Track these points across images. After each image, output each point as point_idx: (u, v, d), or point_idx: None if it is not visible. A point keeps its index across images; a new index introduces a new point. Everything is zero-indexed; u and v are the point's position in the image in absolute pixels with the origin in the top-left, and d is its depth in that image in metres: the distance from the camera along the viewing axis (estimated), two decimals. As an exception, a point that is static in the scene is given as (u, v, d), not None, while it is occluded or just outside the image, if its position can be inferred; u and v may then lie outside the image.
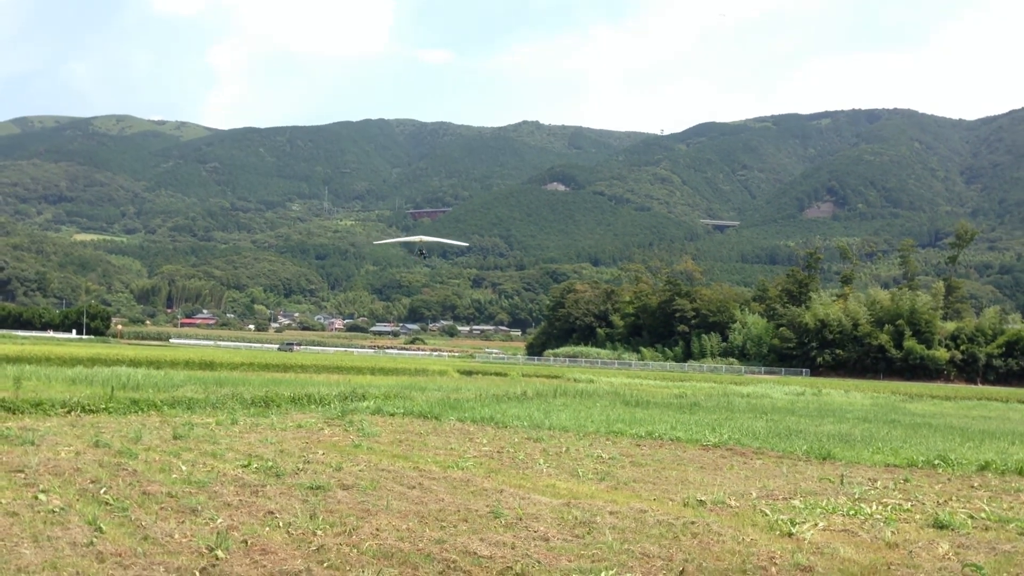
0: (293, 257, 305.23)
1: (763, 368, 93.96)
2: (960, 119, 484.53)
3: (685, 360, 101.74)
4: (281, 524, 8.93)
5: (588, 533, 8.98)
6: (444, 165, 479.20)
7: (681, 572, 7.49)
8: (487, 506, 10.20)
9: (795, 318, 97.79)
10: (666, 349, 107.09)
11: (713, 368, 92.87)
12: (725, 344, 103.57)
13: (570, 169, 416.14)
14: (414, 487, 11.44)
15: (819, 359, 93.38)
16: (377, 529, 8.81)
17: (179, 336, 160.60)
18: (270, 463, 12.83)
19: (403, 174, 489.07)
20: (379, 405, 24.38)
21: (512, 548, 8.15)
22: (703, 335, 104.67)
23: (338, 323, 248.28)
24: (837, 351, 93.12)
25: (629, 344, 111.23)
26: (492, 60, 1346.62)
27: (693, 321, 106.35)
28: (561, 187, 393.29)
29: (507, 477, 12.81)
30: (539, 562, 7.68)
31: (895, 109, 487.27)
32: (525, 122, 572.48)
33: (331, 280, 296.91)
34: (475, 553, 7.87)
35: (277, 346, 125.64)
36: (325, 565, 7.44)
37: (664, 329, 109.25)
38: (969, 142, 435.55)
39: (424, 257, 75.66)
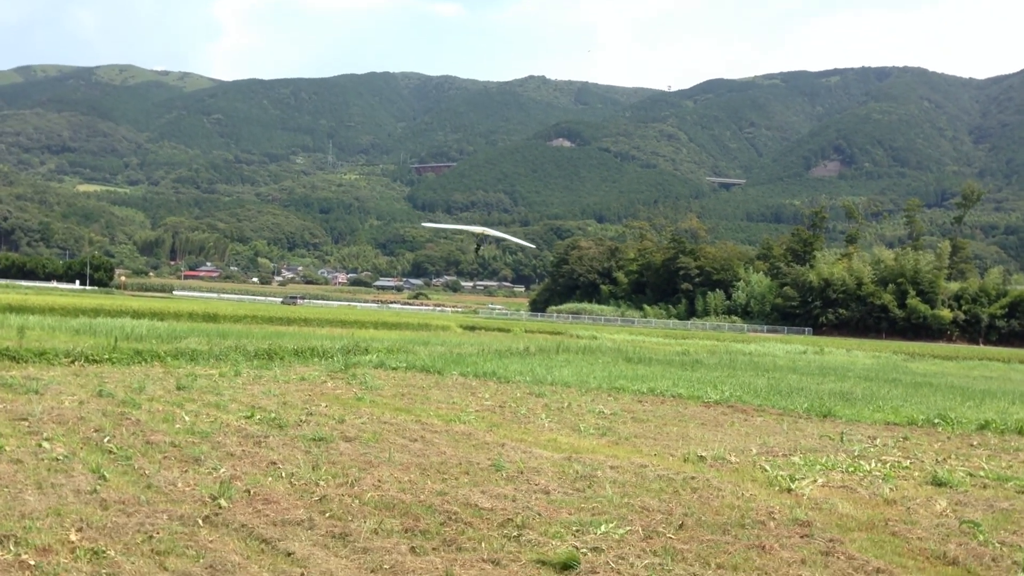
0: (297, 211, 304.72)
1: (766, 327, 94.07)
2: (971, 78, 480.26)
3: (688, 318, 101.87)
4: (284, 474, 8.98)
5: (589, 487, 9.02)
6: (449, 119, 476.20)
7: (680, 525, 7.53)
8: (488, 459, 10.25)
9: (799, 277, 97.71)
10: (669, 307, 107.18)
11: (716, 326, 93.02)
12: (728, 302, 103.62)
13: (576, 125, 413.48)
14: (416, 440, 11.49)
15: (822, 318, 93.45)
16: (379, 481, 8.86)
17: (182, 288, 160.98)
18: (273, 415, 12.89)
19: (408, 128, 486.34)
20: (382, 359, 24.46)
21: (513, 501, 8.19)
22: (707, 293, 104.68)
23: (341, 277, 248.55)
24: (840, 310, 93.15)
25: (632, 301, 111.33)
26: (501, 13, 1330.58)
27: (697, 279, 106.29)
28: (567, 143, 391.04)
29: (509, 431, 12.86)
30: (540, 514, 7.72)
31: (905, 67, 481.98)
32: (531, 77, 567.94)
33: (335, 234, 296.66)
34: (476, 505, 7.92)
35: (280, 299, 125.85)
36: (327, 515, 7.49)
37: (668, 287, 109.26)
38: (979, 101, 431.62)
39: (479, 248, 73.98)
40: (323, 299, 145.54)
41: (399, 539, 6.87)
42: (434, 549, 6.67)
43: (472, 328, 55.45)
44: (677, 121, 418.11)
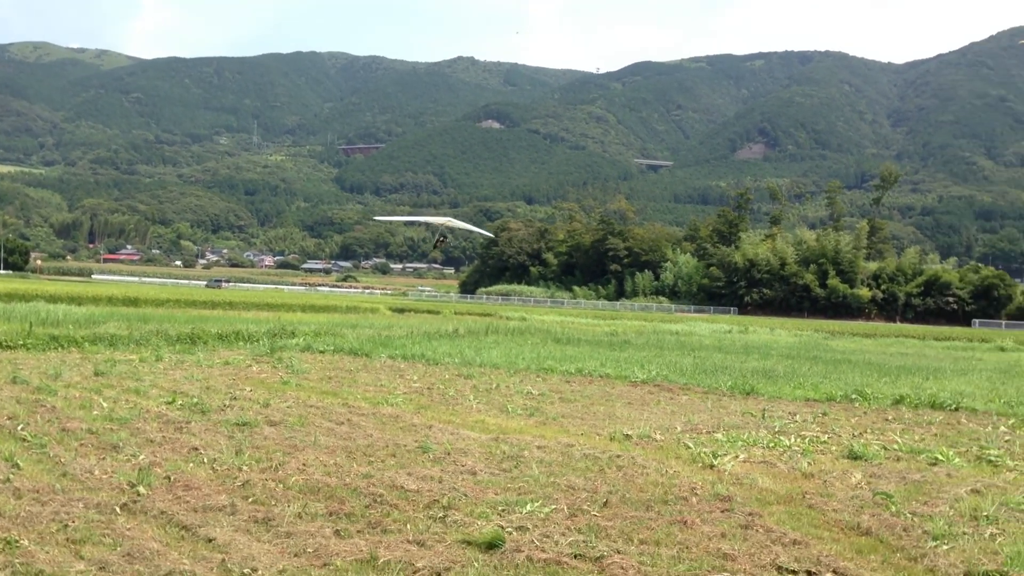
0: (221, 192, 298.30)
1: (693, 307, 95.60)
2: (889, 62, 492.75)
3: (617, 299, 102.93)
4: (206, 460, 8.83)
5: (515, 467, 9.07)
6: (377, 100, 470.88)
7: (605, 503, 7.62)
8: (416, 441, 10.22)
9: (725, 257, 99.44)
10: (599, 287, 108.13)
11: (644, 306, 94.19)
12: (657, 283, 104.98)
13: (505, 107, 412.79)
14: (342, 423, 11.40)
15: (747, 298, 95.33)
16: (304, 464, 8.77)
17: (102, 272, 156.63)
18: (195, 400, 12.65)
19: (335, 109, 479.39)
20: (309, 342, 24.20)
21: (439, 482, 8.19)
22: (635, 274, 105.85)
23: (268, 260, 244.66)
24: (764, 290, 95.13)
25: (562, 283, 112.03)
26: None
27: (626, 260, 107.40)
28: (496, 124, 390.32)
29: (437, 413, 12.85)
30: (466, 495, 7.73)
31: (827, 52, 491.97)
32: (460, 58, 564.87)
33: (261, 216, 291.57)
34: (402, 487, 7.89)
35: (205, 283, 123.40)
36: (250, 500, 7.39)
37: (597, 268, 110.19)
38: (897, 85, 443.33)
39: (444, 241, 68.96)
40: (249, 282, 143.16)
41: (323, 522, 6.82)
42: (359, 532, 6.63)
43: (401, 310, 55.21)
44: (606, 103, 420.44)
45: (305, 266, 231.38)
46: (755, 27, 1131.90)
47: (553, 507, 7.41)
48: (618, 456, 9.75)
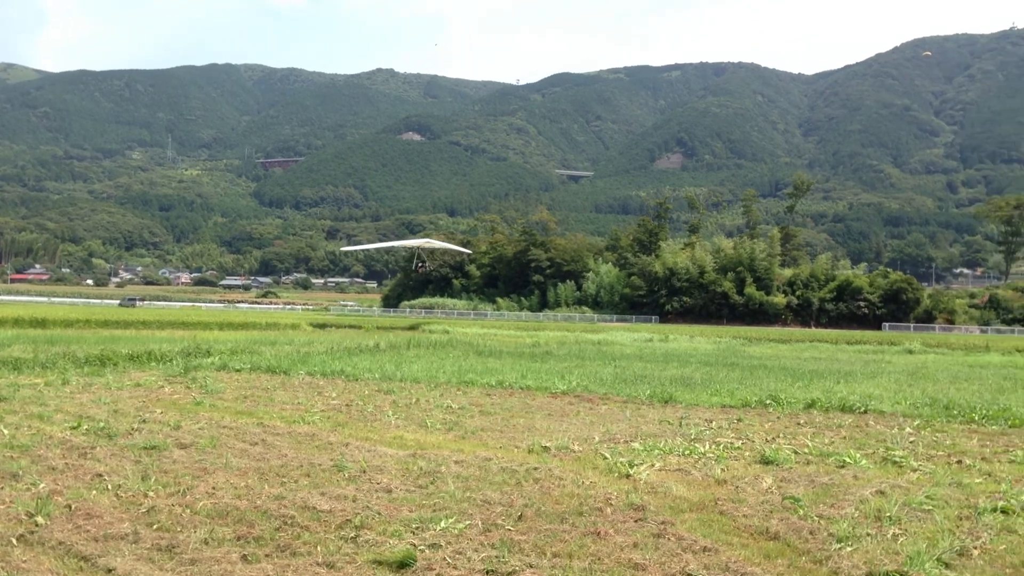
0: (135, 208, 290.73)
1: (615, 316, 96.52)
2: (799, 73, 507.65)
3: (541, 310, 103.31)
4: (110, 487, 8.55)
5: (432, 483, 9.00)
6: (295, 113, 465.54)
7: (519, 517, 7.61)
8: (331, 460, 10.07)
9: (645, 267, 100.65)
10: (522, 299, 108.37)
11: (567, 317, 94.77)
12: (579, 293, 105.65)
13: (426, 119, 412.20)
14: (256, 443, 11.18)
15: (668, 306, 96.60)
16: (213, 488, 8.56)
17: (8, 293, 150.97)
18: (102, 424, 12.25)
19: (252, 122, 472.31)
20: (225, 361, 23.69)
21: (353, 501, 8.07)
22: (558, 284, 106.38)
23: (184, 277, 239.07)
24: (685, 298, 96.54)
25: (485, 294, 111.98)
26: (346, 4, 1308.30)
27: (548, 271, 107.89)
28: (417, 137, 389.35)
29: (354, 430, 12.69)
30: (379, 513, 7.64)
31: (740, 63, 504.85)
32: (380, 69, 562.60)
33: (176, 232, 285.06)
34: (314, 508, 7.76)
35: (118, 301, 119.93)
36: (155, 527, 7.17)
37: (520, 279, 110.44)
38: (807, 96, 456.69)
39: (422, 265, 64.46)
40: (164, 300, 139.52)
41: (230, 547, 6.65)
42: (267, 556, 6.49)
43: (323, 326, 54.53)
44: (526, 114, 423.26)
45: (224, 283, 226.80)
46: (670, 39, 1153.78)
47: (468, 523, 7.37)
48: (535, 469, 9.75)
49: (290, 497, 8.17)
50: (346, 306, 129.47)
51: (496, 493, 8.51)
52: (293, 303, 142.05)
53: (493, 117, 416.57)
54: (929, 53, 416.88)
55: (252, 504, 7.90)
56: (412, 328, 52.79)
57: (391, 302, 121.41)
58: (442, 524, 7.29)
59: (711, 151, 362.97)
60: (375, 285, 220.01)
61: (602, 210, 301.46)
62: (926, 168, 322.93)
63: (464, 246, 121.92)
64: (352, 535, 6.98)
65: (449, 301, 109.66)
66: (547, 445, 11.47)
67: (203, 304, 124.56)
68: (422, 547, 6.63)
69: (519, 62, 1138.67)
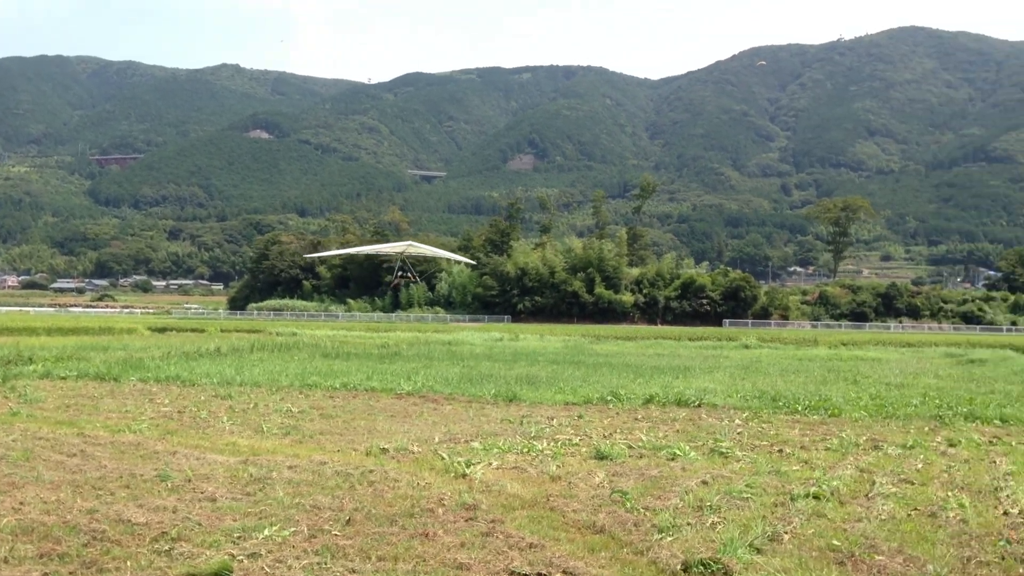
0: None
1: (468, 316, 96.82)
2: (646, 78, 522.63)
3: (393, 311, 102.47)
4: (-100, 508, 7.85)
5: (260, 490, 8.72)
6: (134, 108, 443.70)
7: (348, 521, 7.46)
8: (154, 470, 9.61)
9: (498, 267, 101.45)
10: (375, 300, 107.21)
11: (420, 318, 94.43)
12: (432, 294, 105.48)
13: (274, 116, 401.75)
14: (74, 455, 10.55)
15: (520, 306, 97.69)
16: (21, 503, 8.01)
17: None
18: (-101, 440, 11.28)
19: (86, 117, 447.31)
20: (49, 368, 22.33)
21: (173, 512, 7.71)
22: (411, 285, 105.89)
23: (11, 280, 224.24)
24: (536, 298, 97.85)
25: (336, 296, 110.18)
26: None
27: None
28: (265, 135, 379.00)
29: (184, 437, 12.18)
30: (200, 524, 7.32)
31: (589, 67, 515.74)
32: (225, 65, 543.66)
33: (2, 233, 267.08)
34: (129, 521, 7.36)
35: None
36: (-53, 549, 6.62)
37: (372, 280, 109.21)
38: (653, 100, 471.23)
39: (403, 275, 55.24)
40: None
41: (31, 566, 6.22)
42: (71, 573, 6.10)
43: (163, 330, 52.28)
44: (378, 114, 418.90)
45: (55, 286, 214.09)
46: (522, 41, 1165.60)
47: (293, 530, 7.16)
48: (371, 471, 9.61)
49: (104, 511, 7.72)
50: (189, 309, 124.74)
51: (327, 498, 8.33)
52: (132, 307, 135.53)
53: (344, 116, 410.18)
54: (763, 62, 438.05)
55: (61, 519, 7.42)
56: (258, 331, 51.31)
57: (238, 304, 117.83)
58: (265, 532, 7.06)
59: (562, 153, 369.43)
60: (221, 287, 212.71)
61: (455, 210, 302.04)
62: (763, 171, 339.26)
63: (315, 247, 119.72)
64: (167, 548, 6.66)
65: (299, 303, 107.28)
66: (386, 447, 11.33)
67: (31, 309, 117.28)
68: (241, 557, 6.38)
69: (371, 61, 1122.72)
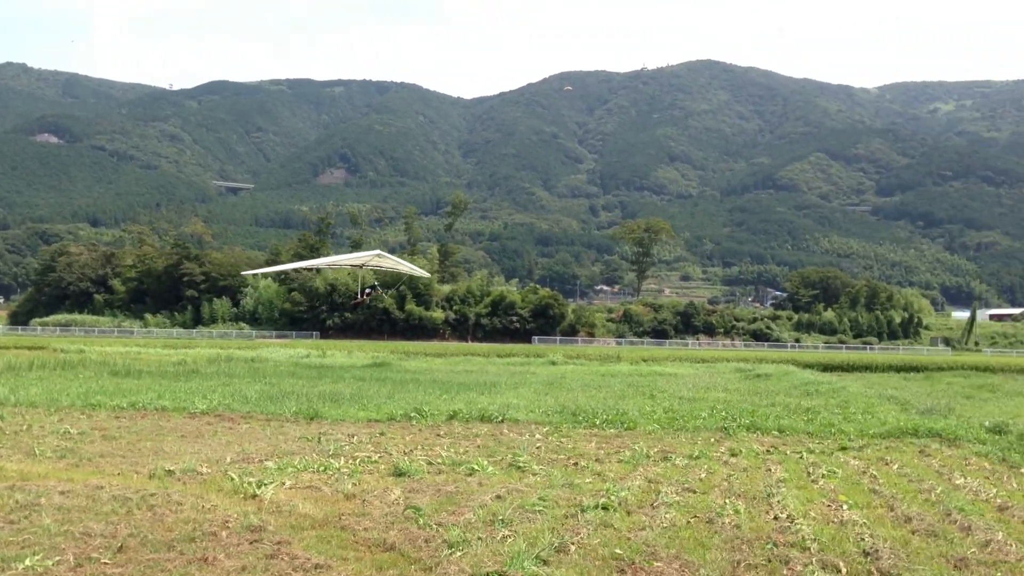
0: None
1: (275, 332, 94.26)
2: (459, 97, 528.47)
3: (195, 326, 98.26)
4: None
5: (26, 517, 8.07)
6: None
7: (119, 548, 7.01)
8: (-99, 500, 8.69)
9: (306, 282, 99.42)
10: (174, 315, 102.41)
11: (223, 334, 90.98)
12: (237, 309, 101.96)
13: (65, 120, 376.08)
14: None
15: (329, 322, 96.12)
16: None
17: None
18: None
19: None
20: None
21: (-81, 547, 6.99)
22: (214, 300, 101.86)
23: None
24: (346, 314, 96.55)
25: (132, 311, 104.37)
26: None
27: (203, 286, 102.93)
28: (54, 139, 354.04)
29: (-58, 464, 11.10)
30: (-50, 559, 6.67)
31: (403, 83, 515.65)
32: (10, 63, 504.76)
33: None
34: None
35: None
36: None
37: (171, 295, 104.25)
38: (466, 119, 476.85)
39: (371, 292, 45.19)
40: None
41: None
42: None
43: (-72, 348, 47.71)
44: (180, 121, 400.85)
45: None
46: (334, 54, 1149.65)
47: (57, 559, 6.67)
48: (152, 495, 9.10)
49: None
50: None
51: (100, 524, 7.80)
52: None
53: (143, 122, 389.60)
54: (570, 88, 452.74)
55: None
56: (40, 347, 47.75)
57: (21, 319, 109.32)
58: (26, 562, 6.53)
59: (375, 168, 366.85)
60: (1, 300, 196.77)
61: (263, 224, 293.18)
62: (572, 192, 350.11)
63: (108, 259, 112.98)
64: (-98, 588, 6.03)
65: (90, 318, 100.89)
66: (172, 469, 10.79)
67: None
68: (-6, 591, 5.87)
69: (172, 66, 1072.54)
